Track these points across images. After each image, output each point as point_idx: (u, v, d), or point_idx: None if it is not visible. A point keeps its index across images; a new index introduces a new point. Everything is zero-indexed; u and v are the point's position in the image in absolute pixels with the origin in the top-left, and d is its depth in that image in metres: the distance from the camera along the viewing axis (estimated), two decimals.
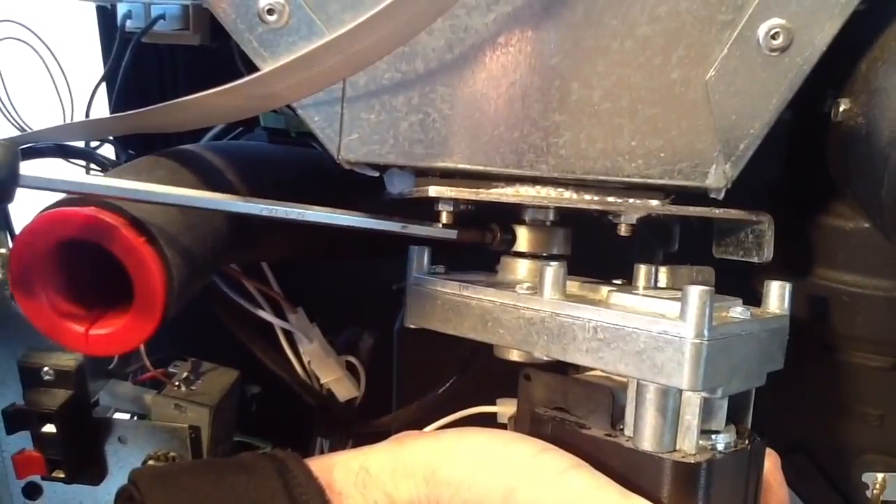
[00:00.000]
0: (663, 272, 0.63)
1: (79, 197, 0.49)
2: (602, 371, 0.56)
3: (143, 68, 0.97)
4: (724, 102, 0.52)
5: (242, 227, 0.59)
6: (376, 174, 0.60)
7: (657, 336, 0.50)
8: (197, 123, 0.56)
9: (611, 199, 0.57)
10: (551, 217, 0.65)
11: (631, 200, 0.57)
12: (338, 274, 0.93)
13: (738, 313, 0.54)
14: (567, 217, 0.66)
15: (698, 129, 0.53)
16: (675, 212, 0.58)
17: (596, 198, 0.57)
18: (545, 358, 0.57)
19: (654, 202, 0.57)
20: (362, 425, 0.80)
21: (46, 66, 0.73)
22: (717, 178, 0.54)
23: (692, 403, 0.51)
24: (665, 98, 0.52)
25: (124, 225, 0.48)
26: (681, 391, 0.50)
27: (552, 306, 0.55)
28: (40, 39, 0.74)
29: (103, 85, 0.83)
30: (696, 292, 0.49)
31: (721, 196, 0.55)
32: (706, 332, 0.48)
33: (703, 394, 0.50)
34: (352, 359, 0.78)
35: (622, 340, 0.51)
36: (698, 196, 0.58)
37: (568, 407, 0.59)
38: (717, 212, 0.59)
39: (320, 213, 0.54)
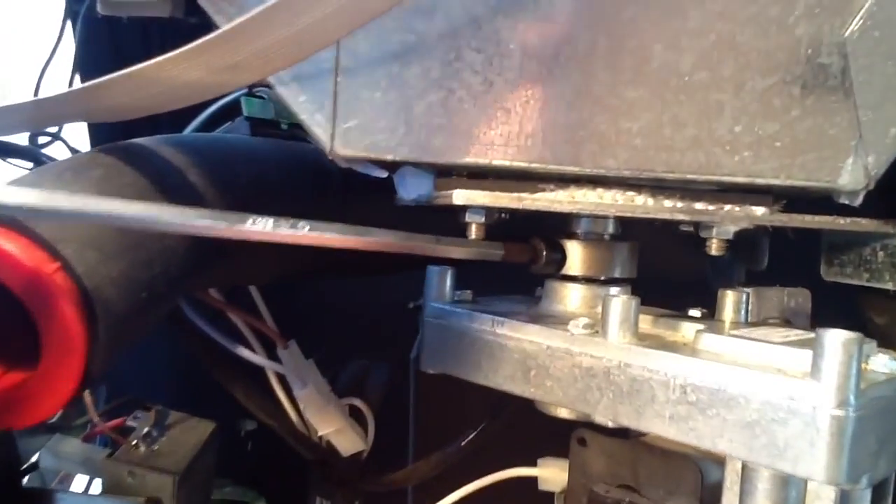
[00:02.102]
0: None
1: None
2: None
3: (122, 54, 0.84)
4: (870, 70, 0.37)
5: (209, 243, 0.44)
6: (384, 174, 0.46)
7: (778, 403, 0.35)
8: (147, 106, 0.43)
9: (700, 205, 0.42)
10: (611, 229, 0.50)
11: (728, 207, 0.42)
12: (339, 292, 0.78)
13: (882, 365, 0.39)
14: (630, 228, 0.51)
15: (830, 109, 0.38)
16: (787, 223, 0.43)
17: (680, 204, 0.42)
18: (609, 424, 0.42)
19: (760, 209, 0.42)
20: (371, 482, 0.65)
21: None
22: (855, 175, 0.39)
23: (825, 497, 0.37)
24: (785, 64, 0.37)
25: (25, 247, 0.34)
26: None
27: (621, 353, 0.40)
28: None
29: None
30: (836, 340, 0.34)
31: (858, 201, 0.40)
32: (853, 400, 0.34)
33: (844, 485, 0.36)
34: (357, 402, 0.64)
35: (724, 406, 0.37)
36: (811, 201, 0.44)
37: (638, 485, 0.45)
38: (843, 222, 0.43)
39: (314, 230, 0.39)
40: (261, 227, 0.38)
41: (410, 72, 0.40)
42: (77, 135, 0.73)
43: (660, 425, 0.39)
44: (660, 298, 0.50)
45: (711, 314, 0.50)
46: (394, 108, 0.40)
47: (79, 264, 0.36)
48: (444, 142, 0.40)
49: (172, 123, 0.83)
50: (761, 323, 0.52)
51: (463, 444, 0.64)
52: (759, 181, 0.39)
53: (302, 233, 0.39)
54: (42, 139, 0.62)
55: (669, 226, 0.47)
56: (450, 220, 0.48)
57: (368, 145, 0.41)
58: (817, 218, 0.43)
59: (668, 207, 0.42)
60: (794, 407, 0.35)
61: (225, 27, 0.35)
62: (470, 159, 0.41)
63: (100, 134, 0.83)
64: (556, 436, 0.54)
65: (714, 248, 0.44)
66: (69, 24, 0.74)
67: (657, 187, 0.42)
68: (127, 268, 0.39)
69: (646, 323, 0.46)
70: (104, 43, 0.82)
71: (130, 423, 0.57)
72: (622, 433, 0.47)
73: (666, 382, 0.39)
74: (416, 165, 0.44)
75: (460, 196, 0.42)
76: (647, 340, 0.41)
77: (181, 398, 0.84)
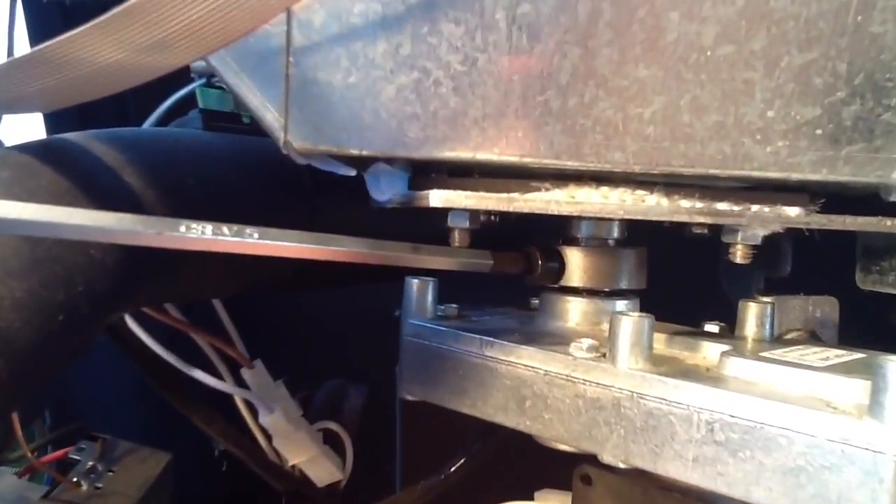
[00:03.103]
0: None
1: None
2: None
3: None
4: None
5: (147, 254, 0.38)
6: (352, 172, 0.39)
7: (829, 447, 0.29)
8: (62, 96, 0.36)
9: (723, 205, 0.36)
10: (616, 234, 0.44)
11: (756, 208, 0.36)
12: (312, 303, 0.71)
13: None
14: (638, 231, 0.44)
15: (884, 89, 0.31)
16: (826, 225, 0.36)
17: (700, 204, 0.36)
18: (620, 465, 0.36)
19: (794, 210, 0.36)
20: None
21: None
22: None
23: None
24: (828, 35, 0.31)
25: None
26: None
27: (633, 382, 0.34)
28: None
29: None
30: None
31: None
32: None
33: None
34: (333, 426, 0.57)
35: (760, 448, 0.30)
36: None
37: None
38: (891, 223, 0.37)
39: (266, 237, 0.33)
40: (196, 235, 0.31)
41: (376, 49, 0.33)
42: (21, 135, 0.66)
43: (681, 468, 0.33)
44: (662, 306, 0.43)
45: (729, 327, 0.44)
46: (357, 92, 0.34)
47: None
48: (418, 133, 0.34)
49: (141, 113, 0.76)
50: (788, 339, 0.46)
51: (452, 470, 0.58)
52: (796, 176, 0.33)
53: (249, 241, 0.33)
54: None
55: (678, 226, 0.41)
56: (440, 224, 0.42)
57: (328, 137, 0.34)
58: (860, 219, 0.36)
59: (686, 209, 0.36)
60: (849, 451, 0.29)
61: None
62: (449, 153, 0.34)
63: (58, 130, 0.76)
64: (558, 463, 0.47)
65: (739, 256, 0.37)
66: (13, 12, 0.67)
67: (672, 185, 0.36)
68: (36, 286, 0.32)
69: (659, 342, 0.39)
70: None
71: (74, 455, 0.50)
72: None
73: (688, 417, 0.33)
74: (387, 161, 0.38)
75: (438, 198, 0.36)
76: (663, 366, 0.35)
77: (148, 412, 0.78)
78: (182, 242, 0.32)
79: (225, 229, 0.32)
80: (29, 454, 0.46)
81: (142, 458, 0.51)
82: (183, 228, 0.32)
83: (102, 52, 0.32)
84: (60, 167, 0.37)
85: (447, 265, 0.39)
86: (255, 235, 0.33)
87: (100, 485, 0.47)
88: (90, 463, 0.49)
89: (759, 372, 0.34)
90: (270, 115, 0.35)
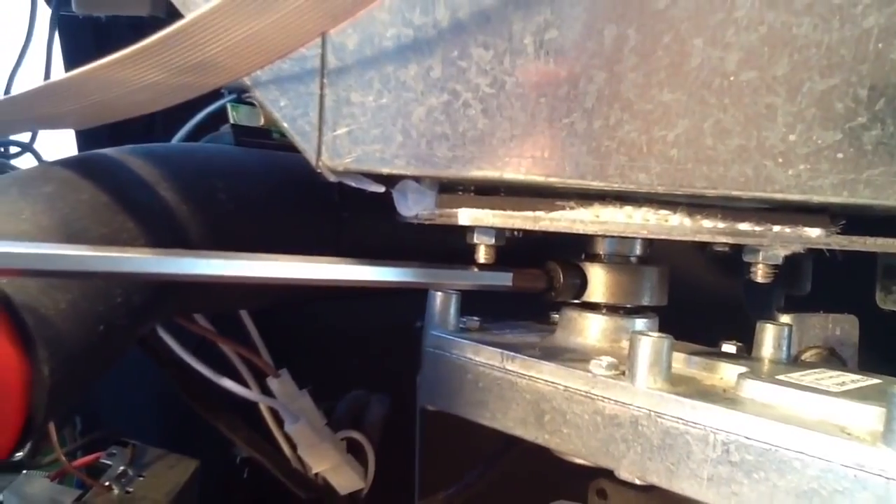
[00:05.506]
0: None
1: None
2: None
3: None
4: None
5: None
6: (381, 188, 0.40)
7: (842, 471, 0.29)
8: (103, 113, 0.37)
9: (745, 226, 0.37)
10: (638, 251, 0.44)
11: (777, 228, 0.36)
12: (336, 313, 0.73)
13: None
14: (660, 250, 0.45)
15: None
16: (847, 246, 0.37)
17: (722, 225, 0.36)
18: (636, 481, 0.36)
19: (815, 231, 0.37)
20: None
21: None
22: None
23: None
24: (850, 62, 0.31)
25: None
26: None
27: (651, 401, 0.35)
28: None
29: None
30: None
31: None
32: None
33: None
34: (356, 435, 0.58)
35: (774, 470, 0.31)
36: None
37: None
38: None
39: (289, 265, 0.34)
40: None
41: (408, 72, 0.34)
42: (55, 146, 0.68)
43: (696, 487, 0.34)
44: (684, 321, 0.44)
45: (746, 346, 0.45)
46: (389, 114, 0.35)
47: (17, 294, 0.31)
48: (447, 153, 0.35)
49: (168, 128, 0.78)
50: (805, 361, 0.46)
51: (470, 481, 0.59)
52: (817, 199, 0.33)
53: (266, 274, 0.34)
54: (13, 149, 0.57)
55: (702, 244, 0.42)
56: (463, 236, 0.42)
57: (360, 157, 0.35)
58: (880, 241, 0.37)
59: (708, 229, 0.37)
60: (862, 477, 0.29)
61: (186, 19, 0.30)
62: (477, 173, 0.35)
63: (88, 142, 0.78)
64: (575, 475, 0.48)
65: (760, 275, 0.38)
66: (52, 29, 0.69)
67: (695, 205, 0.37)
68: (79, 298, 0.34)
69: (677, 361, 0.40)
70: (90, 47, 0.78)
71: (105, 460, 0.51)
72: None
73: (704, 437, 0.33)
74: (417, 179, 0.39)
75: (466, 216, 0.37)
76: (680, 386, 0.36)
77: (172, 419, 0.79)
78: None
79: (238, 261, 0.34)
80: (62, 458, 0.48)
81: (171, 464, 0.52)
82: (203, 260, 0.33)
83: (143, 73, 0.33)
84: (100, 182, 0.38)
85: (468, 286, 0.40)
86: (267, 266, 0.35)
87: (130, 489, 0.49)
88: (121, 468, 0.50)
89: (775, 395, 0.34)
90: (304, 136, 0.36)
